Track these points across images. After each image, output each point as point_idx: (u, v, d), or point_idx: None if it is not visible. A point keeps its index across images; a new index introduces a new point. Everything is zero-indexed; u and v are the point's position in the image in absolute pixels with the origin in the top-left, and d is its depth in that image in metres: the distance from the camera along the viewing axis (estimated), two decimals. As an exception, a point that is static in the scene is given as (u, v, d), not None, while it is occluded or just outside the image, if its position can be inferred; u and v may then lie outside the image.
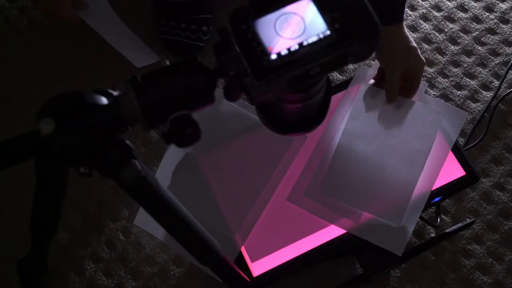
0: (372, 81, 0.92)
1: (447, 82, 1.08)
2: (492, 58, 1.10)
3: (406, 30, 0.86)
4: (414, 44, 0.86)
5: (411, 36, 0.89)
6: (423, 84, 0.90)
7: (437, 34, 1.13)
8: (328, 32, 0.47)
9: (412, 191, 0.84)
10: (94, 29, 1.05)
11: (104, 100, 0.50)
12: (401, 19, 0.85)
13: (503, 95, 1.06)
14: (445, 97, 1.07)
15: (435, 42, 1.12)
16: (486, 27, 1.13)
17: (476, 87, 1.08)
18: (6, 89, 1.11)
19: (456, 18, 1.14)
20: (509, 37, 1.12)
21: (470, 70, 1.09)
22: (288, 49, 0.46)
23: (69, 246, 0.98)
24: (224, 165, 0.88)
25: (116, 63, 1.06)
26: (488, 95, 1.07)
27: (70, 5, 1.01)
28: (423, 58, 0.87)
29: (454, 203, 0.99)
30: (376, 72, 0.92)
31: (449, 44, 1.12)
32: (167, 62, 0.51)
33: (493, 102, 1.06)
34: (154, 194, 0.58)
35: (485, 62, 1.10)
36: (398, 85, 0.88)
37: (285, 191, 0.86)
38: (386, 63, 0.87)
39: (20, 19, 1.17)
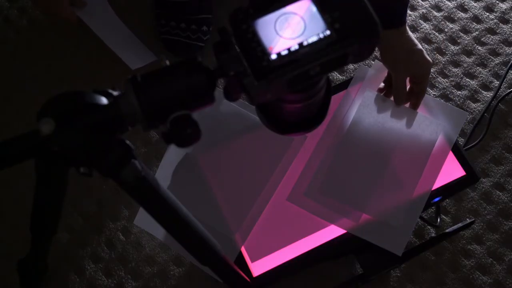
0: (382, 84, 0.92)
1: (447, 82, 1.08)
2: (492, 58, 1.10)
3: (409, 33, 0.85)
4: (419, 47, 0.85)
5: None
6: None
7: (437, 34, 1.13)
8: (328, 32, 0.47)
9: (412, 192, 0.85)
10: (91, 28, 1.05)
11: (104, 100, 0.50)
12: (403, 23, 0.84)
13: (503, 95, 1.06)
14: (445, 97, 1.07)
15: (435, 42, 1.12)
16: (486, 27, 1.13)
17: (476, 87, 1.08)
18: (6, 89, 1.11)
19: (456, 18, 1.14)
20: (509, 37, 1.12)
21: (470, 70, 1.09)
22: (288, 49, 0.46)
23: (69, 246, 0.98)
24: (224, 165, 0.88)
25: (116, 63, 1.06)
26: (488, 95, 1.07)
27: (69, 5, 1.02)
28: (429, 59, 0.86)
29: (454, 203, 0.99)
30: (376, 72, 0.92)
31: (449, 44, 1.12)
32: (167, 62, 0.51)
33: (493, 102, 1.06)
34: (154, 194, 0.58)
35: (485, 62, 1.10)
36: (404, 89, 0.87)
37: (285, 191, 0.86)
38: (391, 67, 0.87)
39: (20, 19, 1.17)
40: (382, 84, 0.92)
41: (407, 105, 0.90)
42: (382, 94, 0.91)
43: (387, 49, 0.86)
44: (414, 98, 0.89)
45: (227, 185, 0.86)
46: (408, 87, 0.89)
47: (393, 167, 0.86)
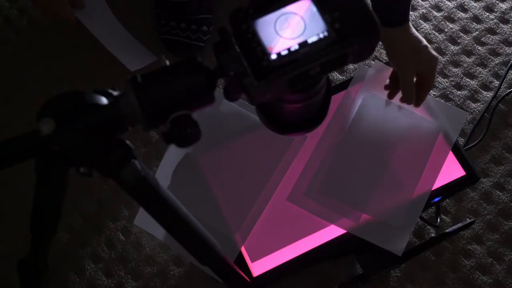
0: (387, 81, 0.91)
1: (447, 82, 1.08)
2: (492, 58, 1.10)
3: (413, 30, 0.85)
4: (424, 43, 0.85)
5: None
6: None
7: (437, 34, 1.13)
8: (328, 32, 0.47)
9: (412, 192, 0.85)
10: (89, 30, 1.05)
11: (104, 100, 0.50)
12: (406, 20, 0.84)
13: (503, 95, 1.06)
14: (445, 97, 1.07)
15: (435, 42, 1.12)
16: (486, 27, 1.13)
17: (476, 87, 1.08)
18: (6, 89, 1.11)
19: (456, 18, 1.14)
20: (509, 37, 1.12)
21: (470, 70, 1.09)
22: (288, 49, 0.46)
23: (69, 246, 0.98)
24: (224, 165, 0.88)
25: (116, 63, 1.06)
26: (488, 95, 1.07)
27: (69, 5, 1.02)
28: (435, 54, 0.85)
29: (454, 203, 0.99)
30: (376, 72, 0.92)
31: (449, 44, 1.12)
32: (167, 62, 0.51)
33: (493, 102, 1.06)
34: (154, 194, 0.58)
35: (485, 62, 1.10)
36: (413, 87, 0.87)
37: (285, 191, 0.86)
38: (397, 66, 0.87)
39: (20, 19, 1.17)
40: (387, 81, 0.91)
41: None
42: (388, 92, 0.91)
43: (392, 48, 0.86)
44: (419, 94, 0.88)
45: (227, 185, 0.86)
46: None
47: (393, 167, 0.86)
